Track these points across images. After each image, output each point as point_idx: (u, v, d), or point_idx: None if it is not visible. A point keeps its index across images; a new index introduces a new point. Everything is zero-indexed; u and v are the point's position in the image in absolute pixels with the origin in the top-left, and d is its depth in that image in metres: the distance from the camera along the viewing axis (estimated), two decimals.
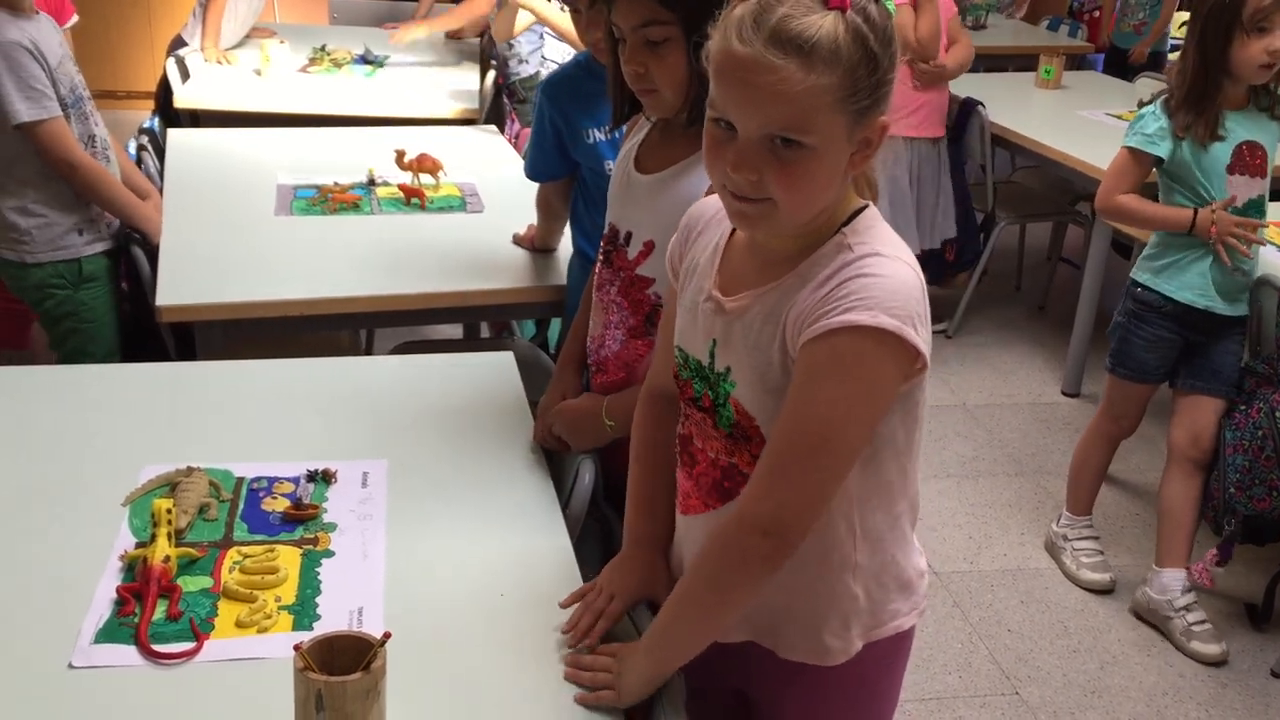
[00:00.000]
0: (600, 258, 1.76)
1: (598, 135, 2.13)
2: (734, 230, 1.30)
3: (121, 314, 2.78)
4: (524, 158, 2.34)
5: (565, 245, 2.43)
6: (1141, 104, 4.07)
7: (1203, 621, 2.66)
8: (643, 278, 1.67)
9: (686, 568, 1.33)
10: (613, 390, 1.73)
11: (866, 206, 1.22)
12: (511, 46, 3.81)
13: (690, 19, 1.50)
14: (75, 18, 3.27)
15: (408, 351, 2.78)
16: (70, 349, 2.55)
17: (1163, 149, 2.56)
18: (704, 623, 1.26)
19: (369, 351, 3.12)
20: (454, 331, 3.43)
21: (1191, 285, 2.60)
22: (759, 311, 1.21)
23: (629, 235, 1.70)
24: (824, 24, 1.08)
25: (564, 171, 2.26)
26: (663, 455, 1.42)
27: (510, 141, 3.48)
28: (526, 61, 3.84)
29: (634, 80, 1.57)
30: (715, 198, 1.38)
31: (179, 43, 4.20)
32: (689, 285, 1.33)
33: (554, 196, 2.35)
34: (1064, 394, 3.84)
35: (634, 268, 1.68)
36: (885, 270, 1.14)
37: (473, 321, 3.01)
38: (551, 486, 1.69)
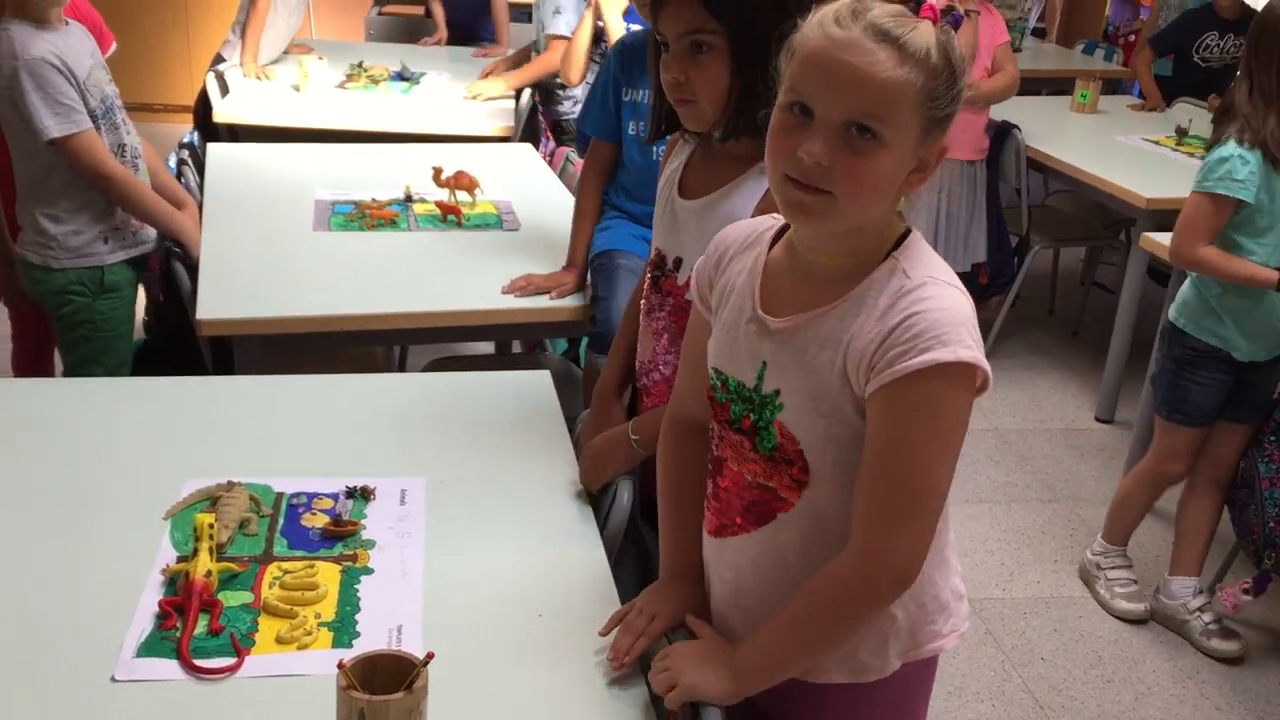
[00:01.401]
0: (648, 283, 1.76)
1: (632, 95, 2.33)
2: (771, 249, 1.30)
3: (161, 323, 2.81)
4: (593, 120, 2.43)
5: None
6: (1181, 131, 4.08)
7: (1217, 620, 2.72)
8: (692, 303, 1.66)
9: (783, 606, 1.28)
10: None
11: (910, 231, 1.23)
12: (564, 89, 3.83)
13: (736, 29, 1.51)
14: (114, 46, 3.30)
15: (441, 368, 2.79)
16: (80, 357, 2.55)
17: (1253, 194, 2.42)
18: (811, 658, 1.28)
19: (402, 366, 3.14)
20: (486, 347, 3.44)
21: (1252, 336, 2.55)
22: (814, 335, 1.21)
23: (678, 260, 1.70)
24: (918, 27, 1.13)
25: (609, 129, 2.38)
26: (693, 485, 1.41)
27: (545, 159, 3.50)
28: (578, 100, 3.87)
29: (673, 89, 1.57)
30: (745, 223, 1.38)
31: (219, 60, 4.25)
32: (725, 307, 1.33)
33: (605, 160, 2.43)
34: (1098, 420, 3.81)
35: (684, 293, 1.67)
36: (946, 298, 1.16)
37: (506, 339, 3.02)
38: (589, 506, 1.69)
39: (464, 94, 4.01)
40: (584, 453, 1.75)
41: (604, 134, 2.42)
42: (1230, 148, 2.44)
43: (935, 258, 1.21)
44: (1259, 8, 4.85)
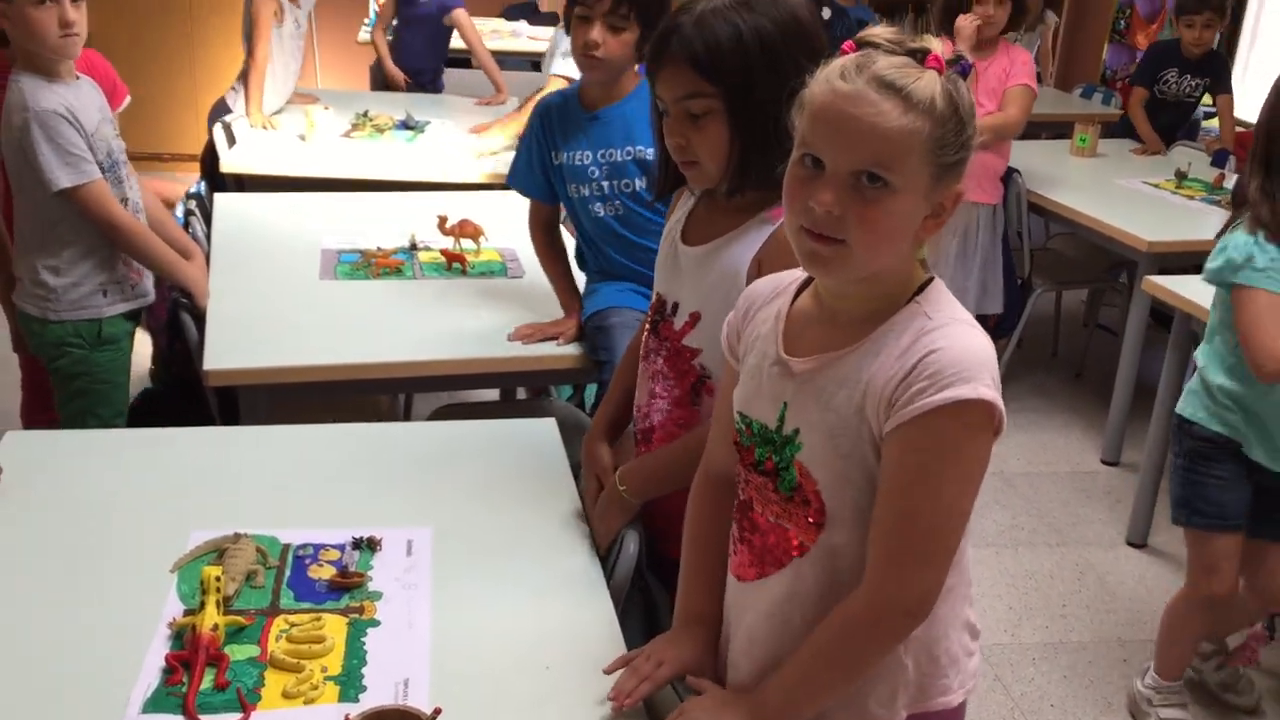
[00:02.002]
0: (647, 327, 1.78)
1: (566, 158, 2.35)
2: (796, 297, 1.32)
3: (168, 371, 2.82)
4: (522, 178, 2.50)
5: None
6: (1181, 174, 4.09)
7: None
8: (689, 348, 1.68)
9: (798, 645, 1.28)
10: None
11: (933, 279, 1.24)
12: None
13: (732, 91, 1.53)
14: (128, 99, 3.36)
15: (447, 415, 2.79)
16: (77, 409, 2.56)
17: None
18: (829, 696, 1.27)
19: (408, 414, 3.14)
20: (491, 393, 3.45)
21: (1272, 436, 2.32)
22: (834, 374, 1.23)
23: (675, 306, 1.71)
24: (922, 77, 1.15)
25: (536, 187, 2.44)
26: (716, 537, 1.42)
27: None
28: None
29: (676, 152, 1.60)
30: (772, 276, 1.39)
31: (222, 108, 4.29)
32: (751, 354, 1.34)
33: (542, 215, 2.50)
34: (1104, 462, 3.80)
35: (680, 338, 1.69)
36: (967, 339, 1.17)
37: (511, 386, 3.03)
38: (595, 555, 1.69)
39: (473, 156, 4.02)
40: (592, 519, 1.75)
41: (533, 193, 2.48)
42: (1244, 241, 2.24)
43: (957, 303, 1.23)
44: (1218, 49, 4.95)
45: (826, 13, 5.58)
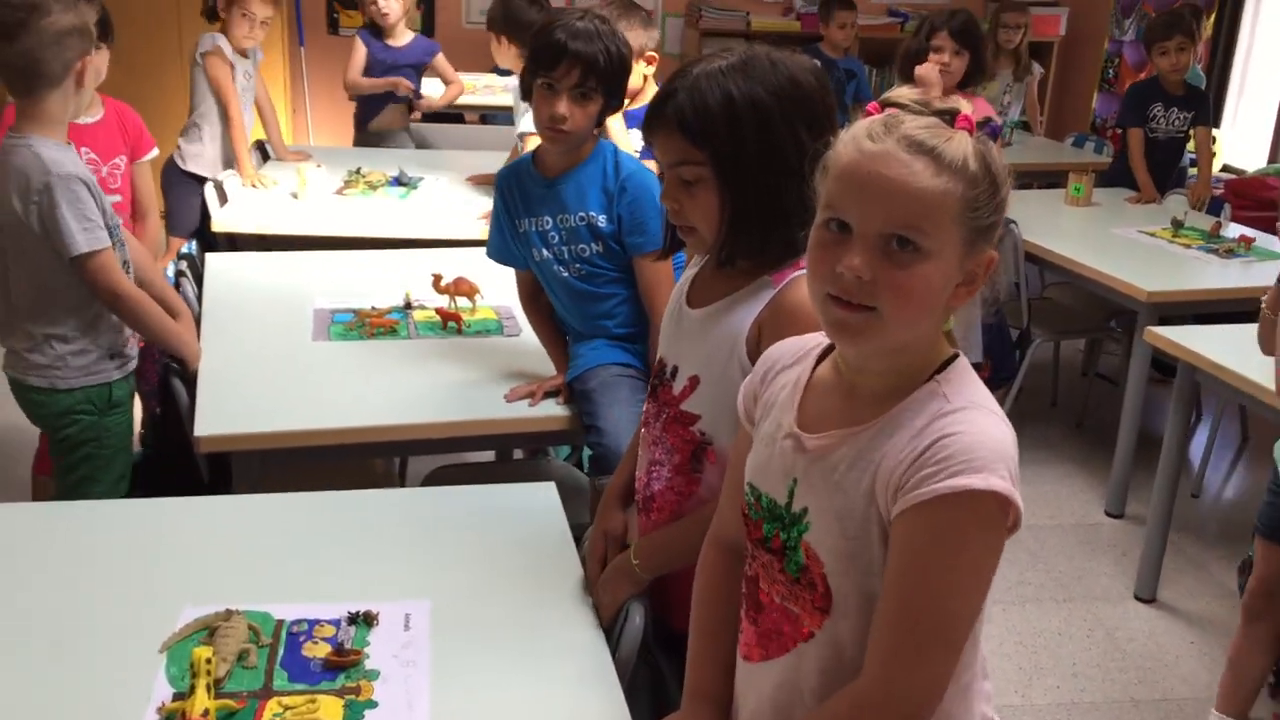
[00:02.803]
0: (649, 393, 1.73)
1: (529, 225, 2.35)
2: (816, 366, 1.27)
3: (158, 436, 2.77)
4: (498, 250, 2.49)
5: None
6: (1177, 223, 4.09)
7: None
8: (687, 413, 1.63)
9: None
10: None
11: (958, 356, 1.19)
12: None
13: (720, 158, 1.51)
14: (155, 151, 3.36)
15: (443, 477, 2.74)
16: (81, 476, 2.49)
17: None
18: None
19: (403, 475, 3.09)
20: (488, 453, 3.39)
21: None
22: (846, 454, 1.18)
23: (675, 370, 1.67)
24: (953, 137, 1.12)
25: (512, 257, 2.44)
26: (727, 607, 1.37)
27: None
28: None
29: (672, 216, 1.59)
30: (794, 339, 1.35)
31: (172, 168, 4.28)
32: (765, 421, 1.30)
33: (526, 282, 2.48)
34: (1108, 514, 3.75)
35: (679, 403, 1.64)
36: (984, 426, 1.12)
37: (509, 448, 2.98)
38: (600, 628, 1.64)
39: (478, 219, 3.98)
40: (595, 586, 1.69)
41: (508, 261, 2.47)
42: None
43: (980, 385, 1.18)
44: (1200, 85, 4.97)
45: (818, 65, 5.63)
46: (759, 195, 1.51)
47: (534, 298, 2.50)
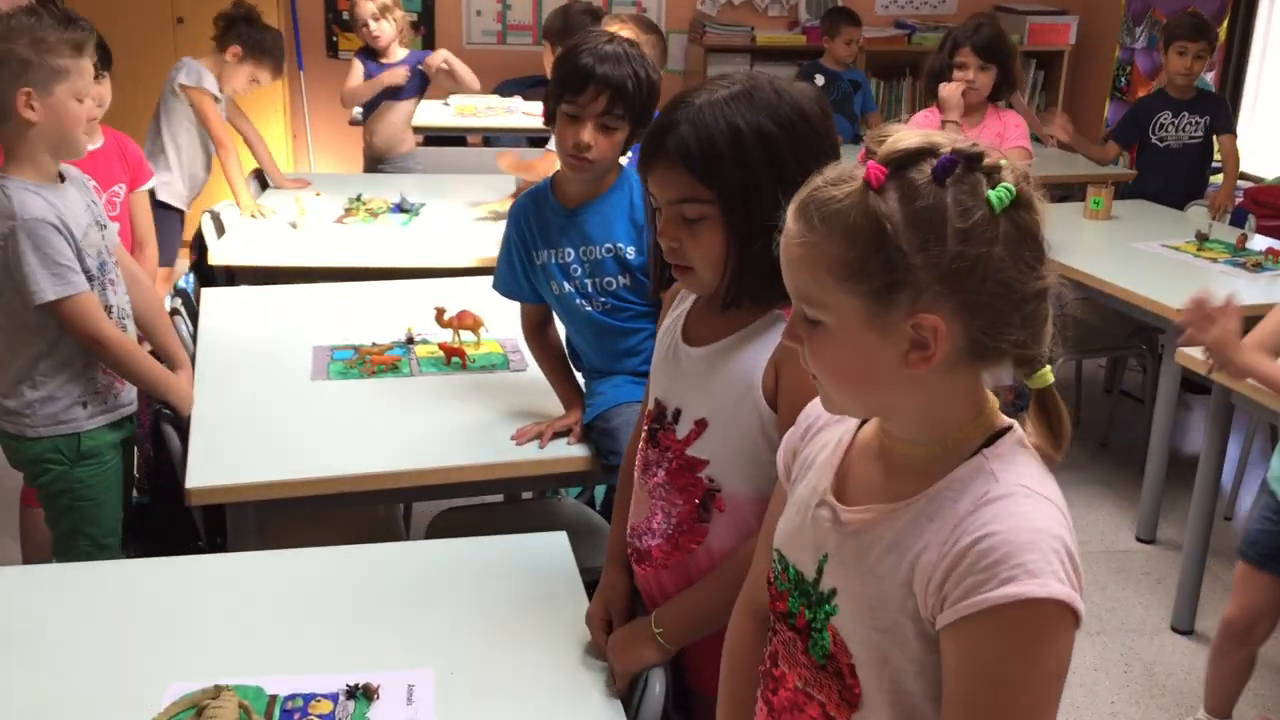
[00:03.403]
0: (644, 437, 1.62)
1: (547, 257, 2.24)
2: (860, 428, 1.16)
3: (152, 483, 2.66)
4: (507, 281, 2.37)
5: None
6: (1201, 236, 3.98)
7: None
8: (694, 459, 1.52)
9: None
10: (658, 586, 1.57)
11: (1011, 428, 1.07)
12: None
13: (729, 198, 1.40)
14: (153, 180, 3.30)
15: (449, 521, 2.63)
16: (66, 528, 2.40)
17: None
18: None
19: (407, 518, 2.97)
20: (495, 490, 3.28)
21: None
22: (882, 535, 1.06)
23: (678, 412, 1.55)
24: (840, 192, 1.01)
25: (521, 290, 2.32)
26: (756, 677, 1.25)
27: None
28: None
29: (669, 255, 1.47)
30: None
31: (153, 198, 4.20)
32: (801, 482, 1.19)
33: (533, 317, 2.36)
34: (1139, 540, 3.62)
35: (684, 448, 1.53)
36: (1035, 515, 0.99)
37: (517, 491, 2.86)
38: (617, 697, 1.52)
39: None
40: (609, 652, 1.57)
41: (516, 295, 2.35)
42: None
43: (1032, 462, 1.05)
44: (1210, 88, 4.88)
45: (820, 79, 5.52)
46: (767, 235, 1.39)
47: (540, 332, 2.38)
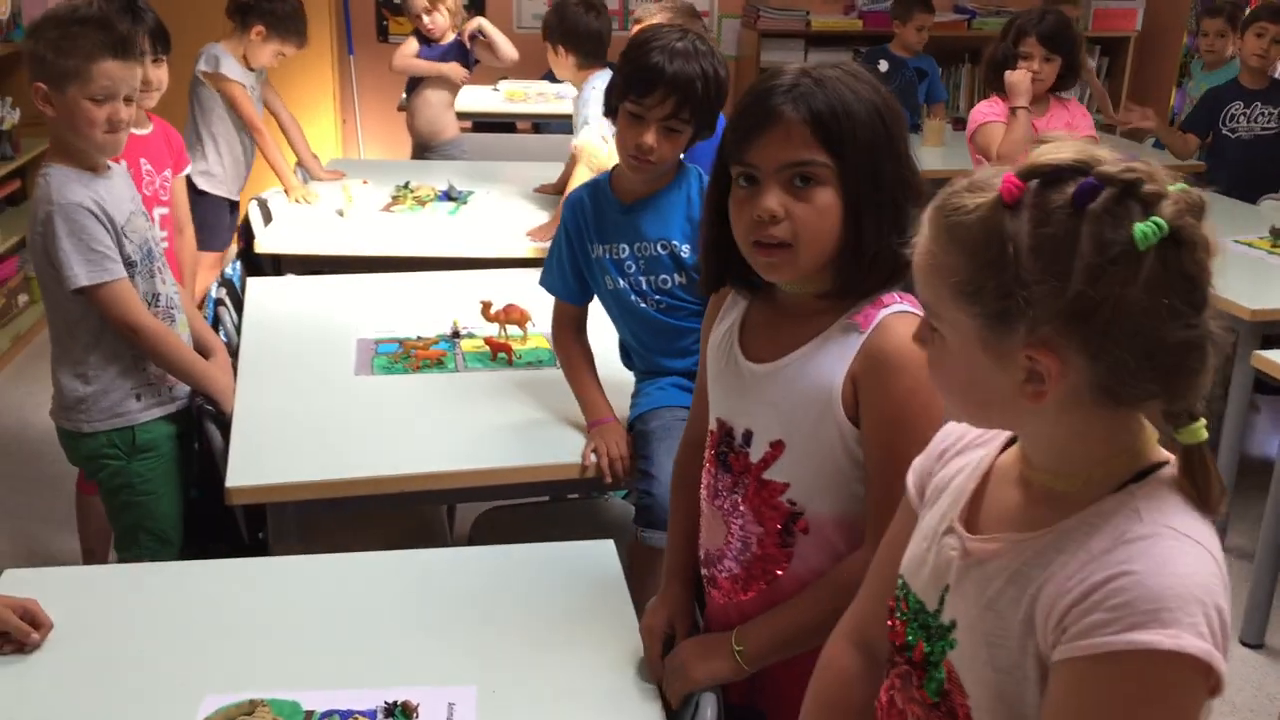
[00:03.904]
0: (711, 460, 1.53)
1: (602, 252, 2.19)
2: (1002, 452, 1.07)
3: (201, 477, 2.63)
4: (555, 277, 2.30)
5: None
6: (1276, 231, 3.82)
7: None
8: (773, 483, 1.43)
9: None
10: (740, 614, 1.49)
11: (1165, 464, 0.96)
12: None
13: (853, 164, 1.30)
14: (190, 166, 3.28)
15: (493, 521, 2.58)
16: (128, 523, 2.38)
17: None
18: None
19: (451, 517, 2.92)
20: (541, 491, 3.22)
21: None
22: (1006, 565, 0.97)
23: (748, 434, 1.46)
24: (974, 203, 0.92)
25: (568, 287, 2.25)
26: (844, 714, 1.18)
27: None
28: None
29: (761, 229, 1.32)
30: None
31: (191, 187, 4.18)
32: (933, 508, 1.11)
33: (571, 317, 2.29)
34: None
35: (760, 471, 1.44)
36: (1179, 561, 0.88)
37: (563, 494, 2.79)
38: (666, 716, 1.45)
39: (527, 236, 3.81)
40: (671, 662, 1.50)
41: (564, 295, 2.28)
42: None
43: (1186, 503, 0.93)
44: None
45: (884, 65, 5.38)
46: (878, 214, 1.32)
47: (575, 333, 2.29)
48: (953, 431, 1.14)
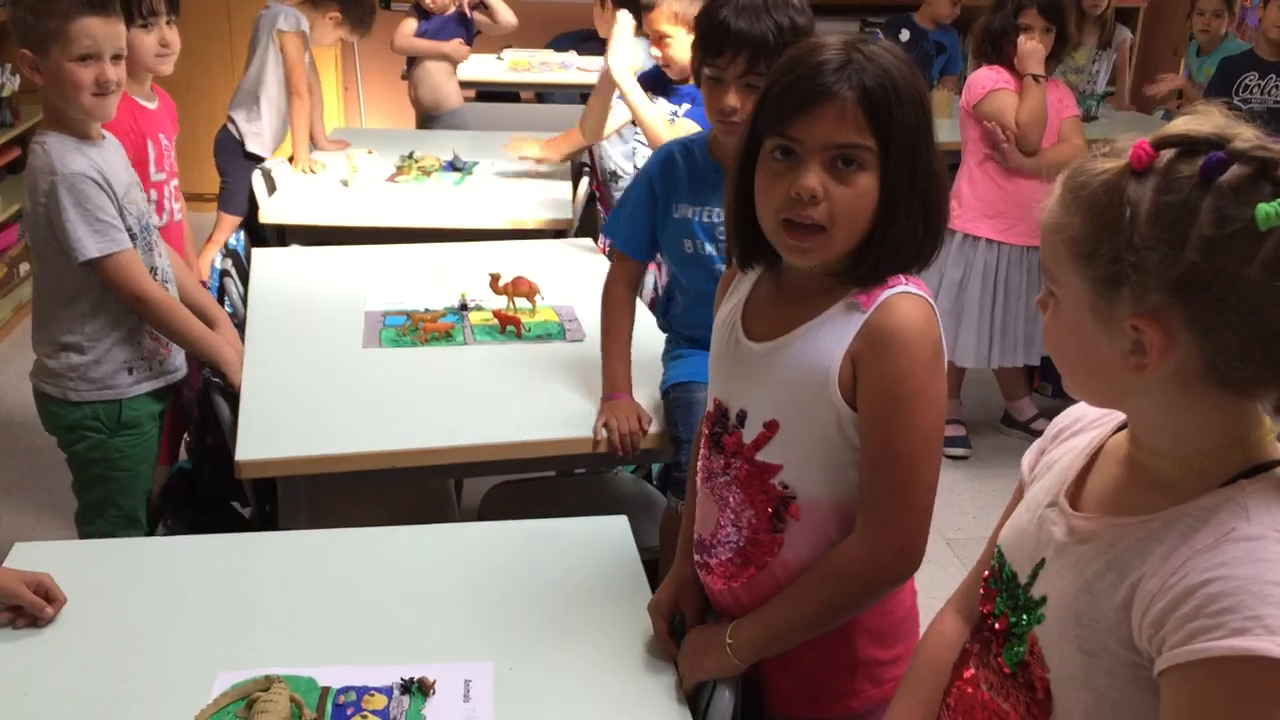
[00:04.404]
0: (706, 441, 1.50)
1: (690, 213, 2.15)
2: (1116, 433, 1.06)
3: (201, 449, 2.62)
4: (623, 226, 2.25)
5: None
6: None
7: None
8: (765, 464, 1.40)
9: None
10: (734, 601, 1.47)
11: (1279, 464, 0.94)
12: (619, 179, 3.62)
13: (898, 146, 1.28)
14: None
15: (503, 495, 2.57)
16: (97, 497, 2.35)
17: None
18: None
19: (458, 488, 2.91)
20: (550, 466, 3.21)
21: None
22: (1106, 549, 0.96)
23: (742, 414, 1.42)
24: (1103, 167, 0.93)
25: (639, 243, 2.22)
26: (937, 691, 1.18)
27: (603, 252, 3.30)
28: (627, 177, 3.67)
29: (802, 210, 1.28)
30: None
31: (228, 139, 4.20)
32: (1039, 483, 1.10)
33: (633, 275, 2.25)
34: None
35: (752, 453, 1.41)
36: None
37: (571, 468, 2.78)
38: (685, 706, 1.44)
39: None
40: (680, 651, 1.49)
41: (631, 250, 2.24)
42: None
43: None
44: None
45: (905, 34, 5.32)
46: (915, 197, 1.30)
47: (629, 295, 2.25)
48: (1072, 413, 1.14)
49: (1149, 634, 0.90)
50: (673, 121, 3.04)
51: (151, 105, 2.81)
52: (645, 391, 2.24)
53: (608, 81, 3.11)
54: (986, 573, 1.12)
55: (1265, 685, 0.84)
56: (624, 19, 2.98)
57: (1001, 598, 1.07)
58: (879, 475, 1.32)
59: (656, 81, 3.09)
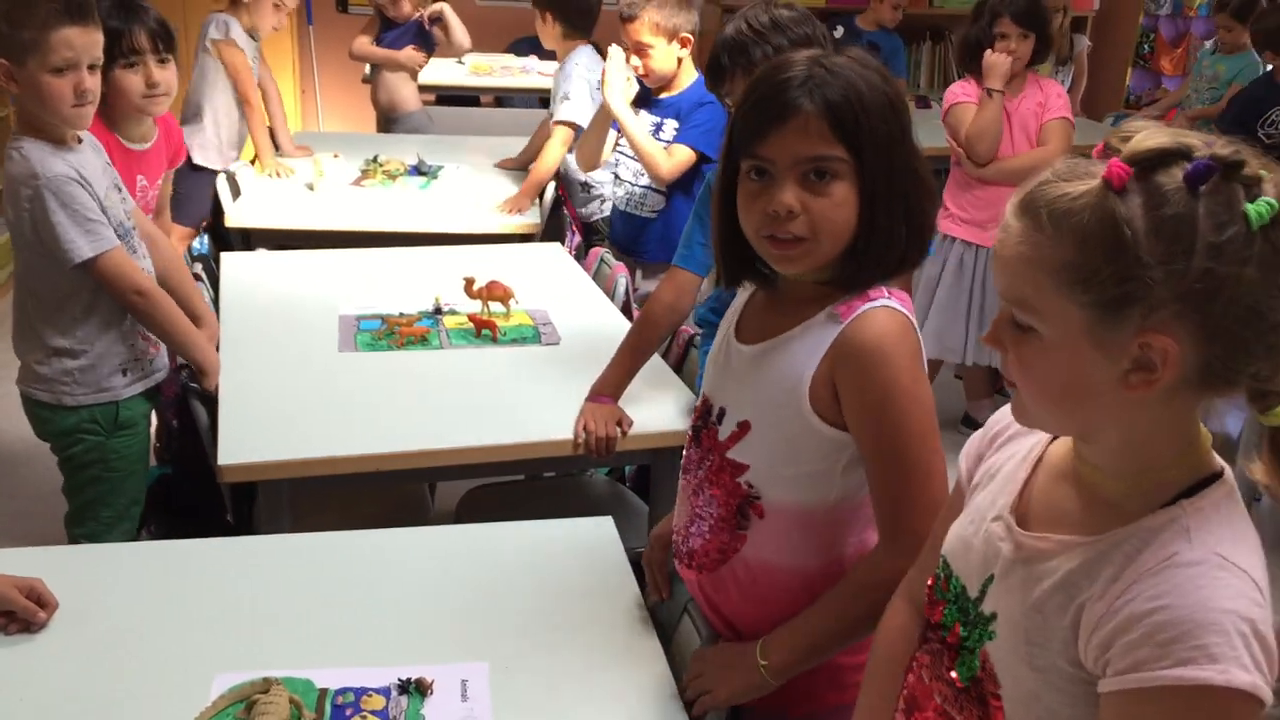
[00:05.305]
0: (690, 435, 1.54)
1: None
2: (1052, 442, 1.08)
3: (176, 454, 2.60)
4: (684, 247, 2.31)
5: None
6: None
7: None
8: (735, 463, 1.43)
9: None
10: (704, 596, 1.51)
11: (1221, 474, 0.97)
12: (590, 190, 3.63)
13: (871, 155, 1.30)
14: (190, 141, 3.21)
15: (479, 499, 2.58)
16: (88, 499, 2.34)
17: None
18: None
19: (431, 493, 2.91)
20: (524, 469, 3.21)
21: None
22: (1056, 569, 0.98)
23: (722, 412, 1.46)
24: (1075, 190, 0.91)
25: (708, 264, 2.24)
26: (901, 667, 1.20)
27: (571, 254, 3.32)
28: (607, 199, 3.69)
29: (777, 224, 1.31)
30: None
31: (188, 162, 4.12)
32: (981, 491, 1.11)
33: (688, 292, 2.30)
34: None
35: (725, 450, 1.44)
36: (1225, 593, 0.89)
37: (547, 471, 2.80)
38: (679, 702, 1.47)
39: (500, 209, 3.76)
40: (688, 670, 1.50)
41: (702, 270, 2.29)
42: None
43: (1236, 522, 0.94)
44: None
45: (839, 30, 5.38)
46: (894, 203, 1.32)
47: (676, 313, 2.29)
48: (1008, 414, 1.15)
49: (1094, 655, 0.93)
50: (656, 135, 3.08)
51: (143, 146, 2.76)
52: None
53: (605, 115, 3.13)
54: (931, 580, 1.14)
55: (1207, 711, 0.87)
56: (615, 53, 2.99)
57: (951, 609, 1.09)
58: (887, 485, 1.35)
59: (636, 94, 3.11)
